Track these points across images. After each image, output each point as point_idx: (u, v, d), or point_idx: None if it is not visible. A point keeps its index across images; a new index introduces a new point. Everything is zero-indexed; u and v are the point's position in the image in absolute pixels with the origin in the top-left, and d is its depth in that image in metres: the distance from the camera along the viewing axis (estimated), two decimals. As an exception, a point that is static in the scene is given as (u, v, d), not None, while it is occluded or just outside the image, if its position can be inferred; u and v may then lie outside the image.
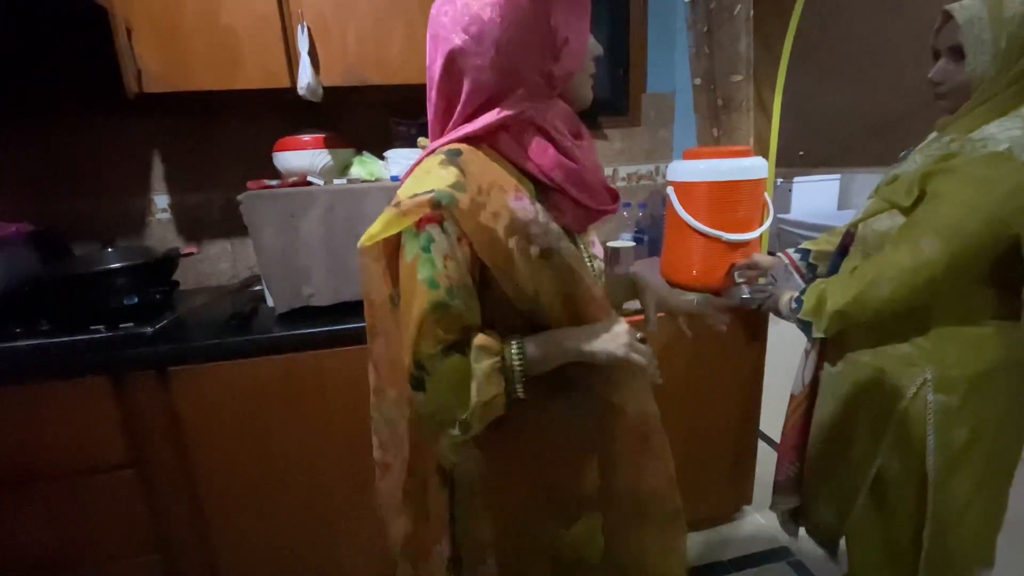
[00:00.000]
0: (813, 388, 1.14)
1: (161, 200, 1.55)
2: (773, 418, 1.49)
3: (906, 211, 0.84)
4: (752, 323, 1.43)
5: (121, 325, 1.19)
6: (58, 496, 1.13)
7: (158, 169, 1.54)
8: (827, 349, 1.10)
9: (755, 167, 1.29)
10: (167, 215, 1.56)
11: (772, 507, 1.27)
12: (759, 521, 1.62)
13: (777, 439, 1.91)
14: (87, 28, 1.19)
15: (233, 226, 1.58)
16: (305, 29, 1.25)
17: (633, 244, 1.53)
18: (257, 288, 1.47)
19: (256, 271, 1.59)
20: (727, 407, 1.49)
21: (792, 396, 1.19)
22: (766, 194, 1.37)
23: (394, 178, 1.33)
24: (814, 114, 4.22)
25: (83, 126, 1.46)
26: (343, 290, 1.29)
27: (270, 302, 1.29)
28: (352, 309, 1.27)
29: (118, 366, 1.10)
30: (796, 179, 4.29)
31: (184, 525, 1.22)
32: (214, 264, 1.63)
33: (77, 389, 1.08)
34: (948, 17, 0.79)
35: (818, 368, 1.13)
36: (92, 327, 1.18)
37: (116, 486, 1.15)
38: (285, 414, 1.22)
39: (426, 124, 1.65)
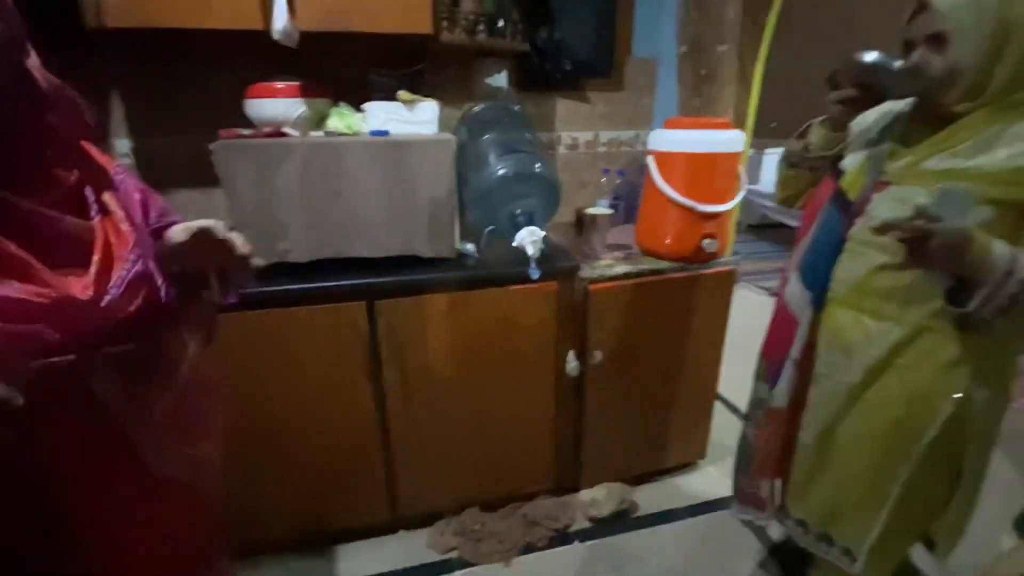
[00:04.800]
0: (797, 401, 1.05)
1: (123, 144, 1.46)
2: (731, 379, 1.60)
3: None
4: (720, 283, 1.50)
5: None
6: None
7: (119, 111, 1.45)
8: (817, 354, 1.00)
9: (733, 140, 1.32)
10: (129, 160, 1.48)
11: (734, 515, 1.25)
12: (712, 473, 1.76)
13: (733, 401, 2.06)
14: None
15: (201, 175, 1.51)
16: (280, -34, 1.17)
17: (611, 211, 1.55)
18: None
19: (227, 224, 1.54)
20: (690, 365, 1.58)
21: (772, 409, 1.10)
22: (740, 166, 1.42)
23: (373, 132, 1.30)
24: (788, 85, 4.26)
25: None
26: (321, 247, 1.27)
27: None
28: (330, 267, 1.27)
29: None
30: (767, 150, 4.37)
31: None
32: (180, 214, 1.56)
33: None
34: (923, 6, 0.78)
35: (802, 376, 1.04)
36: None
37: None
38: (257, 374, 1.23)
39: (408, 77, 1.60)
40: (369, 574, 1.39)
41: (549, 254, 1.35)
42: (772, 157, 4.34)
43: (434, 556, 1.45)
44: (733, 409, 2.08)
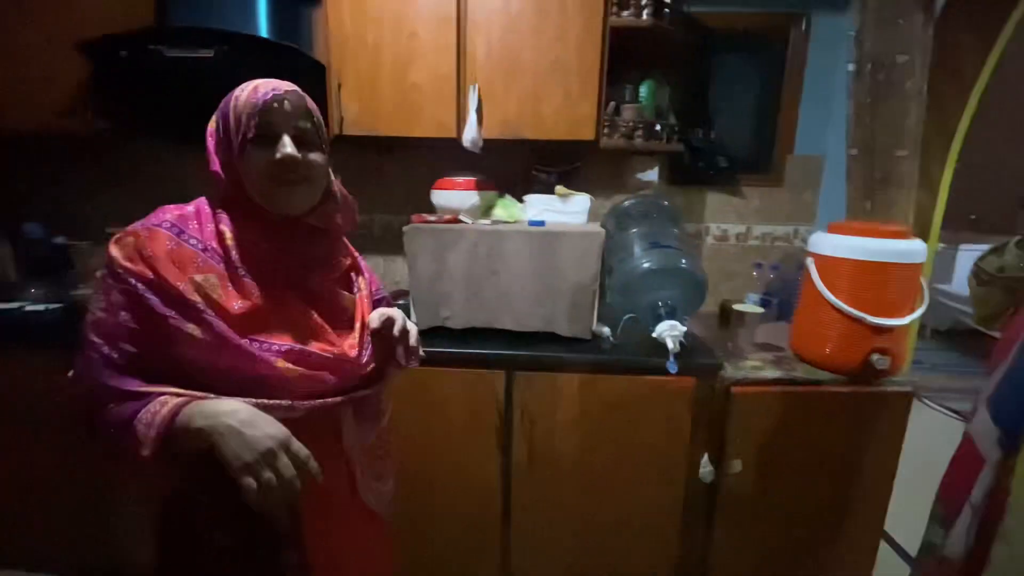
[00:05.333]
0: (977, 555, 0.89)
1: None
2: (902, 517, 1.34)
3: None
4: (893, 406, 1.32)
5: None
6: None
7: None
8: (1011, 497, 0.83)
9: (911, 251, 1.20)
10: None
11: None
12: (873, 633, 1.45)
13: (905, 544, 1.71)
14: (307, 80, 1.50)
15: (387, 245, 1.84)
16: (476, 89, 1.44)
17: (761, 309, 1.49)
18: (401, 302, 1.68)
19: (402, 287, 1.81)
20: (852, 495, 1.37)
21: (945, 558, 0.95)
22: (922, 278, 1.27)
23: (532, 222, 1.46)
24: (988, 174, 3.69)
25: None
26: (475, 317, 1.44)
27: (413, 317, 1.48)
28: (479, 334, 1.42)
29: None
30: (962, 246, 3.75)
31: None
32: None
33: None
34: None
35: (985, 525, 0.89)
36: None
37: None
38: (407, 426, 1.39)
39: (566, 172, 1.78)
40: (473, 644, 1.40)
41: (690, 348, 1.34)
42: (967, 254, 3.71)
43: (538, 643, 1.41)
44: (902, 554, 1.71)
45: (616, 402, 1.35)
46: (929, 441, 1.37)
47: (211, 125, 0.68)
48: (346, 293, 0.78)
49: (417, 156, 1.78)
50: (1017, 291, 0.90)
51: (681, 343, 1.29)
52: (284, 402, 0.65)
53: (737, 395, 1.31)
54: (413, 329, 0.82)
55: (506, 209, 1.54)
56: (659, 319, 1.33)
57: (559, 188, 1.54)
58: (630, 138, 1.53)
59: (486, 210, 1.56)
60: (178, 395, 0.62)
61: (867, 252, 1.21)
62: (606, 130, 1.51)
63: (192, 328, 0.61)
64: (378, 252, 1.88)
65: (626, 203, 1.57)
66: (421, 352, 0.83)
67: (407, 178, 1.81)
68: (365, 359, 0.76)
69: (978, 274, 0.97)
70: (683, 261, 1.35)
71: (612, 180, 1.80)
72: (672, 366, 1.27)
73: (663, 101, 1.65)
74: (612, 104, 1.54)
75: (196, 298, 0.62)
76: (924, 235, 1.46)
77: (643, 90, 1.61)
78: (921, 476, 1.21)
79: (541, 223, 1.45)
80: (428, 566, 1.47)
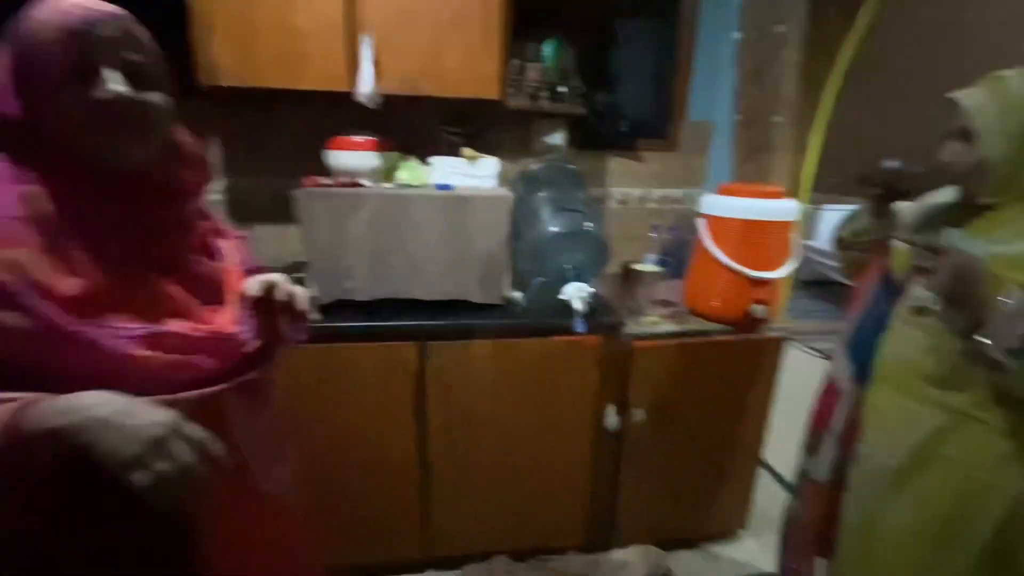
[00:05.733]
0: (840, 478, 1.03)
1: (214, 184, 1.65)
2: (779, 448, 1.54)
3: None
4: (769, 350, 1.48)
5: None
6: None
7: (214, 155, 1.63)
8: (863, 426, 0.97)
9: (786, 209, 1.33)
10: (218, 198, 1.65)
11: None
12: (752, 546, 1.68)
13: (780, 470, 1.97)
14: (166, 21, 1.28)
15: (280, 212, 1.67)
16: (370, 40, 1.31)
17: (658, 268, 1.58)
18: (300, 276, 1.55)
19: (300, 259, 1.67)
20: (735, 431, 1.55)
21: (815, 481, 1.09)
22: (794, 234, 1.42)
23: (438, 186, 1.40)
24: (851, 143, 4.21)
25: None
26: (382, 288, 1.37)
27: (314, 291, 1.37)
28: (388, 307, 1.36)
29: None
30: (826, 206, 4.26)
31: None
32: (259, 247, 1.72)
33: None
34: (954, 104, 0.82)
35: (845, 449, 1.02)
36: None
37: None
38: (315, 403, 1.31)
39: (473, 134, 1.72)
40: (396, 611, 1.41)
41: (595, 308, 1.39)
42: (830, 213, 4.23)
43: (460, 600, 1.45)
44: (779, 479, 1.98)
45: (529, 364, 1.38)
46: (799, 379, 1.57)
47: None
48: (209, 262, 0.68)
49: (309, 113, 1.61)
50: (871, 249, 1.03)
51: (588, 304, 1.33)
52: (156, 398, 0.55)
53: (638, 350, 1.40)
54: (300, 292, 0.73)
55: (411, 172, 1.46)
56: (567, 281, 1.36)
57: (466, 150, 1.49)
58: (535, 99, 1.51)
59: (388, 173, 1.47)
60: (5, 400, 0.50)
61: (749, 211, 1.32)
62: (511, 90, 1.47)
63: (9, 317, 0.50)
64: (267, 221, 1.71)
65: (534, 167, 1.56)
66: (313, 315, 0.75)
67: (298, 137, 1.64)
68: (247, 335, 0.67)
69: (838, 242, 1.10)
70: (588, 224, 1.38)
71: (519, 143, 1.78)
72: (580, 326, 1.31)
73: (567, 63, 1.63)
74: (516, 62, 1.50)
75: (5, 278, 0.50)
76: (795, 195, 1.62)
77: (547, 50, 1.58)
78: (793, 410, 1.38)
79: (449, 187, 1.40)
80: (351, 537, 1.43)
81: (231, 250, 0.73)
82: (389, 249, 1.34)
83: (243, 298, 0.69)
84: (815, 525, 1.09)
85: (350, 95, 1.35)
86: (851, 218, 1.08)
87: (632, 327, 1.41)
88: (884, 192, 0.97)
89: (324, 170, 1.44)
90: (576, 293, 1.33)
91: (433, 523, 1.46)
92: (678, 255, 1.79)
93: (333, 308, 1.33)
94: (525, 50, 1.55)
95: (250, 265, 0.79)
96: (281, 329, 0.73)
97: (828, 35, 1.51)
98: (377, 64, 1.34)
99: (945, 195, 0.93)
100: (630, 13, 1.75)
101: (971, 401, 0.81)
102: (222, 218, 0.80)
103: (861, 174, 0.98)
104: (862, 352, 0.97)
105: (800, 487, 1.14)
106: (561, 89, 1.57)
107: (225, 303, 0.67)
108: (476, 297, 1.41)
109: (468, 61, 1.38)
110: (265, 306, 0.70)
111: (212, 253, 0.70)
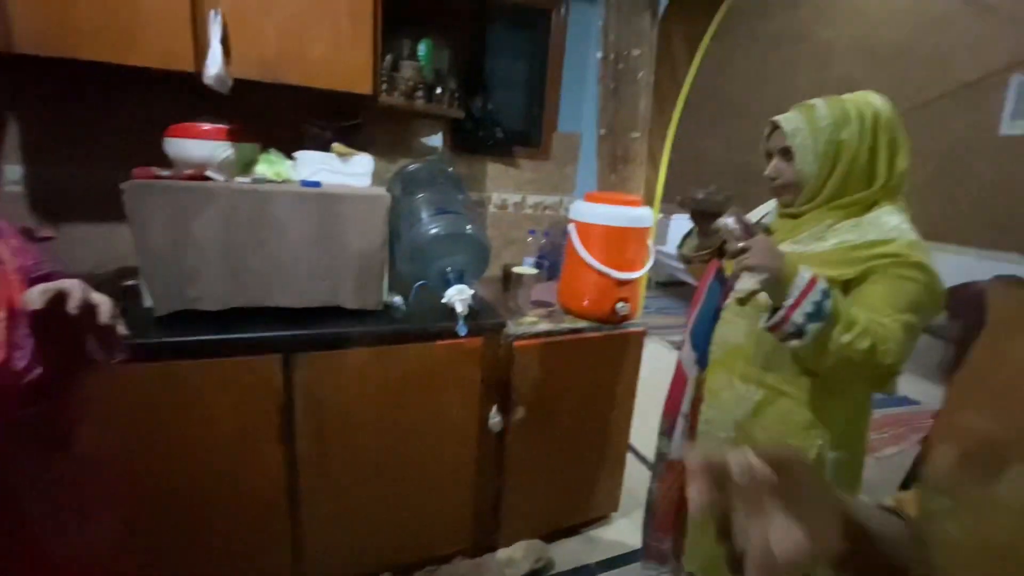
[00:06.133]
0: None
1: (12, 171, 1.32)
2: (643, 432, 1.70)
3: (845, 284, 0.89)
4: (631, 343, 1.62)
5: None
6: None
7: (13, 136, 1.31)
8: (700, 408, 1.12)
9: (643, 216, 1.48)
10: (18, 189, 1.33)
11: (642, 570, 1.33)
12: (623, 525, 1.82)
13: (644, 453, 2.18)
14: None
15: (104, 209, 1.40)
16: (219, 15, 1.17)
17: (536, 271, 1.64)
18: (130, 283, 1.32)
19: (129, 263, 1.42)
20: (605, 419, 1.67)
21: (671, 461, 1.20)
22: (649, 240, 1.58)
23: (305, 183, 1.30)
24: (692, 162, 4.86)
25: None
26: (236, 295, 1.22)
27: (147, 302, 1.17)
28: (246, 316, 1.21)
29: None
30: (674, 215, 4.85)
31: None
32: (72, 250, 1.42)
33: None
34: (775, 126, 0.99)
35: (691, 430, 1.15)
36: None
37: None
38: (158, 429, 1.12)
39: (344, 129, 1.62)
40: (263, 657, 1.26)
41: (476, 310, 1.39)
42: (677, 222, 4.82)
43: (339, 630, 1.35)
44: (644, 461, 2.19)
45: (410, 370, 1.33)
46: (656, 369, 1.75)
47: None
48: None
49: (148, 95, 1.38)
50: (707, 261, 1.19)
51: (469, 306, 1.33)
52: None
53: (518, 349, 1.44)
54: (103, 301, 0.60)
55: (272, 166, 1.32)
56: (448, 284, 1.34)
57: (337, 146, 1.39)
58: (410, 98, 1.48)
59: (245, 166, 1.32)
60: None
61: (612, 218, 1.44)
62: (385, 86, 1.42)
63: None
64: (87, 220, 1.42)
65: (411, 167, 1.52)
66: (122, 331, 0.62)
67: (131, 123, 1.39)
68: (20, 363, 0.54)
69: (680, 258, 1.26)
70: (469, 227, 1.38)
71: (396, 143, 1.72)
72: (462, 328, 1.30)
73: (442, 64, 1.62)
74: (389, 57, 1.45)
75: None
76: (650, 204, 1.81)
77: (421, 48, 1.55)
78: (652, 396, 1.53)
79: (317, 184, 1.30)
80: (218, 570, 1.25)
81: (6, 252, 0.59)
82: (244, 252, 1.19)
83: (17, 314, 0.55)
84: (673, 502, 1.21)
85: (198, 77, 1.19)
86: (687, 235, 1.25)
87: (513, 327, 1.45)
88: (694, 215, 1.14)
89: (163, 160, 1.25)
90: (458, 296, 1.32)
91: (307, 547, 1.34)
92: (552, 258, 1.89)
93: (173, 320, 1.15)
94: (400, 46, 1.51)
95: (38, 271, 0.64)
96: (83, 350, 0.60)
97: (674, 57, 1.72)
98: (228, 44, 1.20)
99: (763, 210, 1.12)
100: (504, 23, 1.80)
101: (782, 378, 0.98)
102: (21, 215, 0.64)
103: (679, 199, 1.14)
104: (701, 340, 1.12)
105: (658, 469, 1.26)
106: (438, 90, 1.55)
107: None
108: (351, 303, 1.32)
109: (336, 50, 1.30)
110: (53, 323, 0.56)
111: None
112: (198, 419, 1.15)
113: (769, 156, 1.01)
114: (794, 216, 1.00)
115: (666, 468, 1.22)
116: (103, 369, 0.65)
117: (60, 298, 0.55)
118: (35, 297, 0.54)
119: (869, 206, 0.94)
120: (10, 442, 0.53)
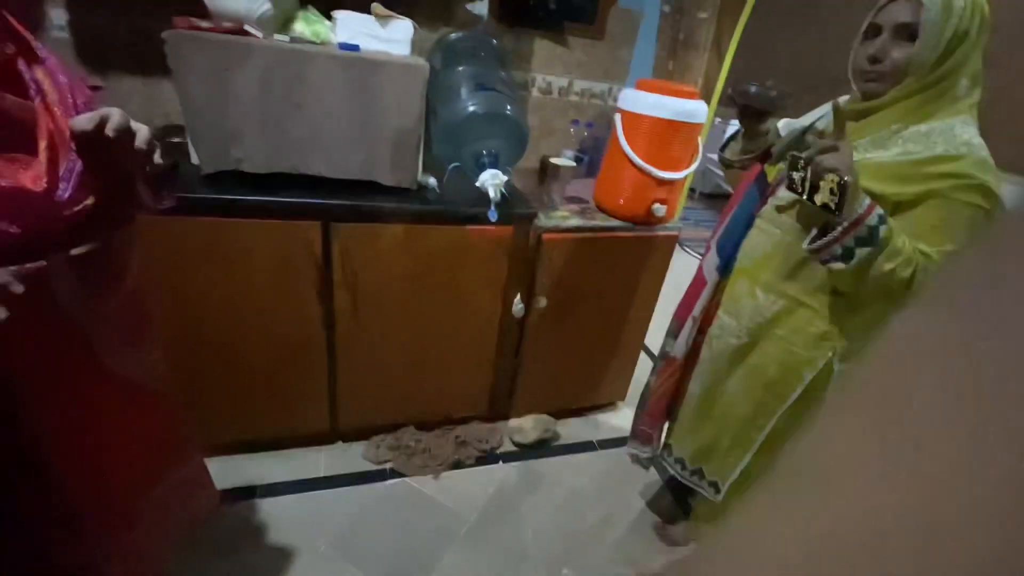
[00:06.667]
0: (692, 355, 1.22)
1: (58, 15, 1.31)
2: (658, 334, 1.75)
3: (899, 204, 0.83)
4: (662, 246, 1.61)
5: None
6: None
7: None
8: (716, 312, 1.14)
9: (696, 111, 1.37)
10: (64, 35, 1.33)
11: (628, 449, 1.43)
12: (628, 414, 1.95)
13: (654, 351, 2.25)
14: None
15: (146, 61, 1.40)
16: None
17: (574, 164, 1.59)
18: (177, 140, 1.35)
19: (174, 120, 1.45)
20: (624, 317, 1.72)
21: (672, 358, 1.26)
22: (700, 138, 1.48)
23: (342, 45, 1.24)
24: (764, 60, 4.33)
25: None
26: (278, 160, 1.24)
27: (194, 159, 1.22)
28: (290, 182, 1.25)
29: None
30: (732, 121, 4.47)
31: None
32: (119, 104, 1.44)
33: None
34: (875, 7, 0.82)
35: (699, 333, 1.19)
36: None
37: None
38: (202, 281, 1.22)
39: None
40: (305, 477, 1.49)
41: (509, 199, 1.39)
42: (734, 128, 4.46)
43: (369, 466, 1.56)
44: (654, 360, 2.27)
45: (440, 251, 1.38)
46: (680, 278, 1.74)
47: None
48: (11, 97, 0.54)
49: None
50: (746, 165, 1.12)
51: (502, 193, 1.32)
52: None
53: (546, 242, 1.45)
54: (143, 128, 0.60)
55: (310, 25, 1.27)
56: (482, 168, 1.33)
57: (376, 7, 1.31)
58: (457, -46, 1.34)
59: (283, 23, 1.27)
60: None
61: (661, 109, 1.35)
62: (430, -62, 1.28)
63: None
64: (132, 72, 1.42)
65: (453, 36, 1.43)
66: (158, 161, 0.61)
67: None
68: (65, 194, 0.55)
69: (721, 161, 1.18)
70: (508, 107, 1.33)
71: (439, 10, 1.60)
72: (493, 214, 1.31)
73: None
74: (437, -96, 1.29)
75: None
76: (707, 100, 1.67)
77: None
78: (671, 304, 1.55)
79: (355, 47, 1.24)
80: (259, 411, 1.44)
81: (50, 86, 0.58)
82: (283, 115, 1.19)
83: (62, 143, 0.56)
84: (665, 395, 1.30)
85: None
86: (731, 137, 1.16)
87: (543, 220, 1.45)
88: (743, 112, 1.02)
89: (200, 11, 1.20)
90: (491, 181, 1.30)
91: (341, 397, 1.51)
92: (593, 154, 1.81)
93: (220, 179, 1.20)
94: None
95: (84, 109, 0.63)
96: (131, 185, 0.62)
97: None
98: None
99: (817, 113, 1.02)
100: None
101: (803, 289, 0.97)
102: (70, 65, 0.63)
103: (729, 92, 1.03)
104: (728, 247, 1.10)
105: (658, 365, 1.32)
106: (487, -53, 1.40)
107: (35, 153, 0.54)
108: (387, 179, 1.34)
109: None
110: (98, 150, 0.56)
111: (22, 88, 0.56)
112: (242, 273, 1.24)
113: (874, 32, 0.84)
114: (858, 117, 0.90)
115: (666, 363, 1.28)
116: (153, 212, 0.69)
117: (102, 122, 0.55)
118: (81, 121, 0.55)
119: (949, 113, 0.84)
120: (72, 275, 0.58)
